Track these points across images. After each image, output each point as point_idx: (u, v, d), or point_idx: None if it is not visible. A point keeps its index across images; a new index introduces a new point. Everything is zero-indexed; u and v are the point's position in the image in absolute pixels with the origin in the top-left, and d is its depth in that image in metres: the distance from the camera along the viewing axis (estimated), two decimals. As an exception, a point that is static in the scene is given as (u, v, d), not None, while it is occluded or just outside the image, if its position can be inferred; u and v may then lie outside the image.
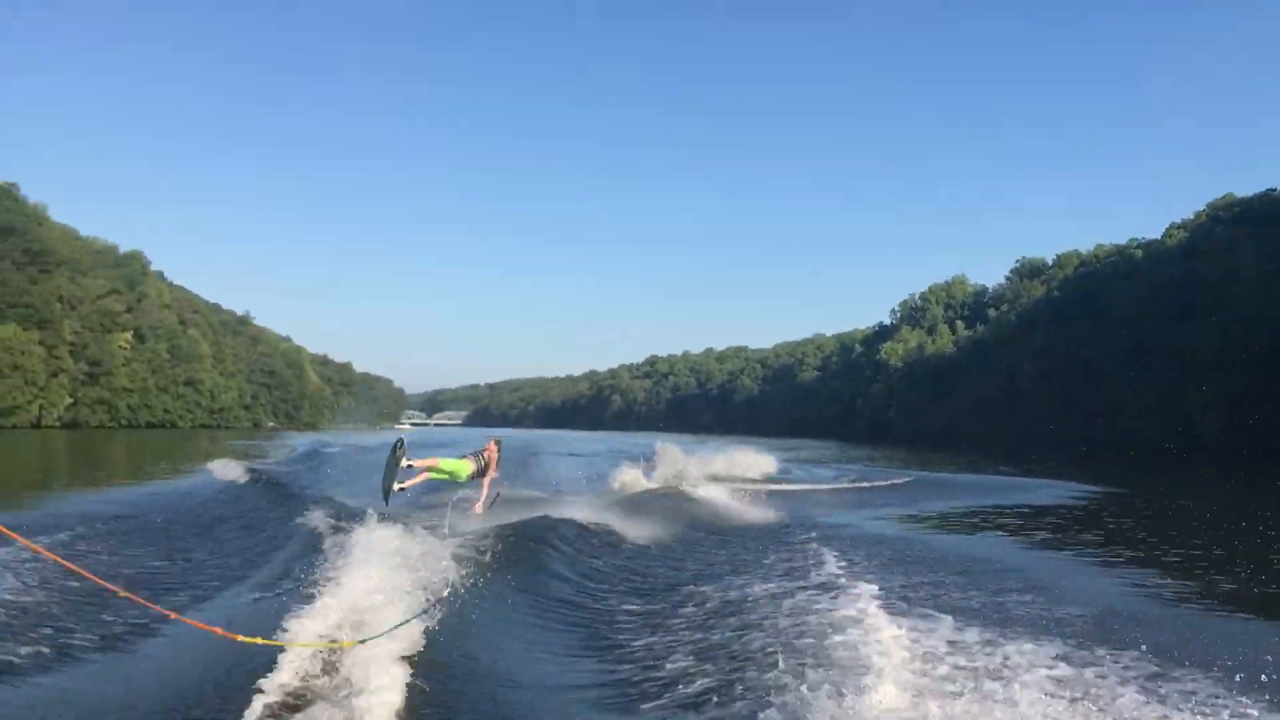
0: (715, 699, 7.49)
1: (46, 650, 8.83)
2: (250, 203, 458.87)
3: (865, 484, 33.55)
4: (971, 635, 9.00)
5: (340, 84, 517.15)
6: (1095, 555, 17.21)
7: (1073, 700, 6.97)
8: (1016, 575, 13.77)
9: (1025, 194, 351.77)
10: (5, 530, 7.41)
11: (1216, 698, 7.32)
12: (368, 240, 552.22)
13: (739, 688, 7.64)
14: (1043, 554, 17.12)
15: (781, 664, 7.94)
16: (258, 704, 6.53)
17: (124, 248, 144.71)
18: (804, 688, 7.09)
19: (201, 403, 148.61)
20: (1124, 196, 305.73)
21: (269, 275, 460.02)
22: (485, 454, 17.45)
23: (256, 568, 13.89)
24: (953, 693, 7.04)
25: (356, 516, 14.81)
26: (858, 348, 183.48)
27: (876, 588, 10.73)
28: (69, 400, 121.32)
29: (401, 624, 7.87)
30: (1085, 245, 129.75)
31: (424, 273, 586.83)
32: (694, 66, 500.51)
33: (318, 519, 16.31)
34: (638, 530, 18.01)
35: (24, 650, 8.66)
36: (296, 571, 11.67)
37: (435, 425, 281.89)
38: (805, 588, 11.53)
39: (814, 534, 17.43)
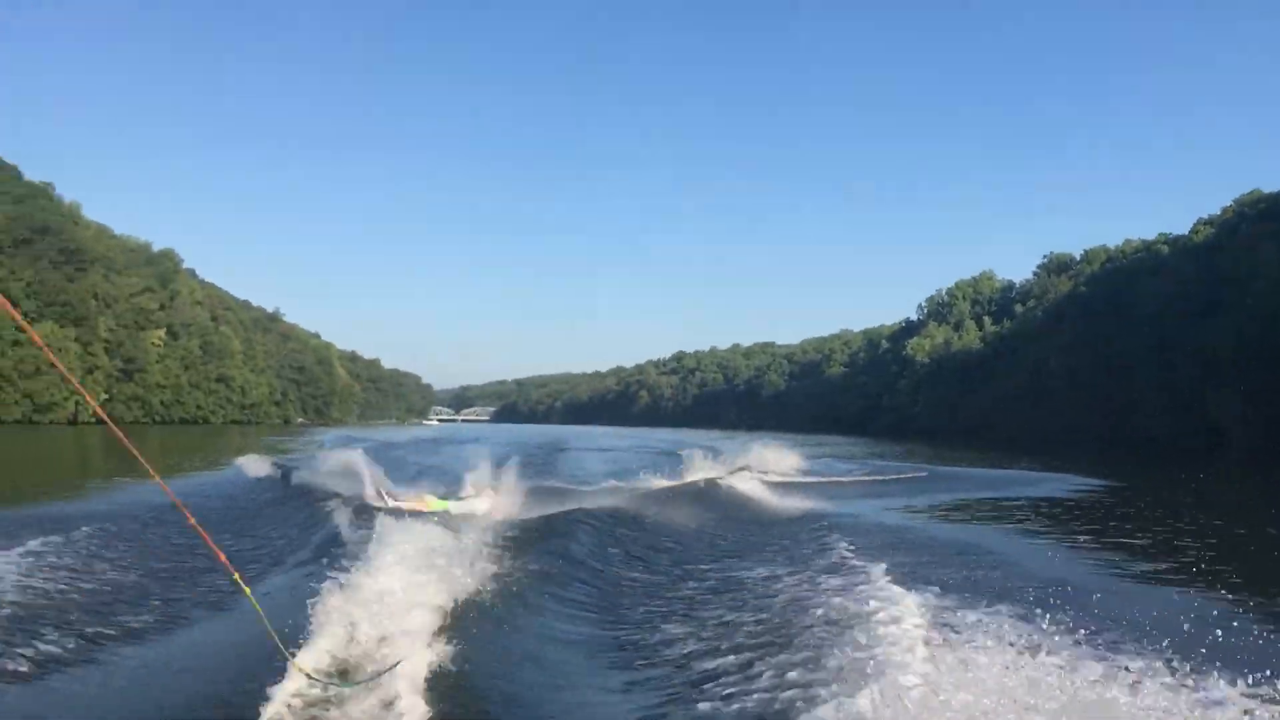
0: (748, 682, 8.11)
1: (112, 632, 9.61)
2: (281, 201, 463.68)
3: (879, 477, 35.80)
4: (948, 602, 10.25)
5: (373, 81, 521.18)
6: (1066, 539, 19.05)
7: (1020, 651, 8.16)
8: (991, 556, 15.38)
9: (1056, 192, 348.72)
10: (167, 490, 8.79)
11: (1118, 645, 8.67)
12: (396, 238, 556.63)
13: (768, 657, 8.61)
14: (1021, 538, 18.94)
15: (813, 637, 8.98)
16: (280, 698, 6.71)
17: (156, 246, 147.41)
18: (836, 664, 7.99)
19: (233, 399, 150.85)
20: (1165, 190, 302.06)
21: (298, 273, 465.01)
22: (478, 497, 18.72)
23: (281, 564, 14.21)
24: (939, 644, 8.27)
25: (378, 514, 14.90)
26: (884, 344, 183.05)
27: (884, 567, 12.03)
28: (104, 396, 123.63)
29: (391, 667, 7.30)
30: (1114, 240, 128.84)
31: (452, 270, 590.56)
32: (720, 58, 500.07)
33: (342, 517, 16.25)
34: (672, 519, 19.20)
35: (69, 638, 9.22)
36: (319, 571, 11.54)
37: (463, 421, 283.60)
38: (823, 573, 12.60)
39: (825, 522, 19.08)
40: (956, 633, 8.76)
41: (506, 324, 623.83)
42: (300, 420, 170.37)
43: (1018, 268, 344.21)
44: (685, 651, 9.37)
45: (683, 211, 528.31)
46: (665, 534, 17.70)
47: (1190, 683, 7.34)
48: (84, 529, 15.46)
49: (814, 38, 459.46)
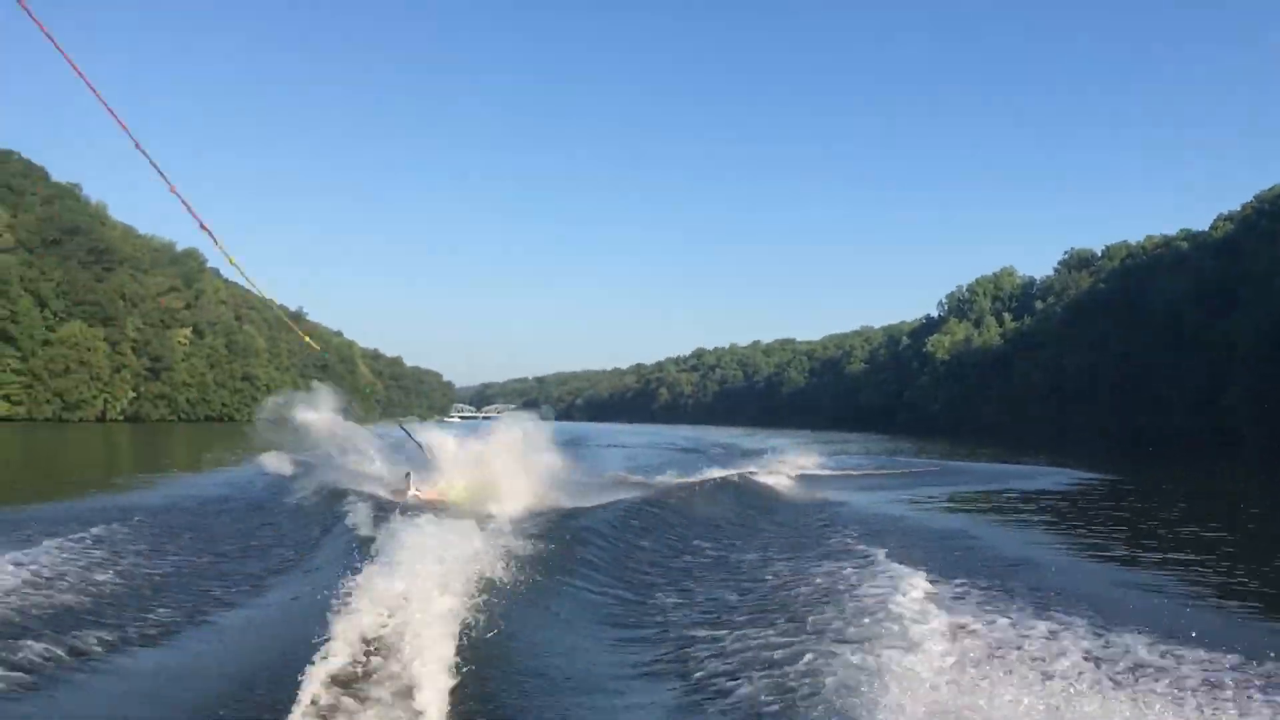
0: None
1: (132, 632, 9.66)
2: (301, 198, 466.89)
3: (890, 471, 37.95)
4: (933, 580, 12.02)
5: (396, 75, 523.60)
6: (1045, 527, 20.65)
7: (989, 621, 10.00)
8: (974, 541, 16.84)
9: (1079, 190, 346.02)
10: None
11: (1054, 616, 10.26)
12: (418, 237, 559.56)
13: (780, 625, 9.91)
14: (1003, 528, 20.37)
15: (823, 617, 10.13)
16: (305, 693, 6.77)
17: (180, 246, 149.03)
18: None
19: (258, 396, 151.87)
20: (1188, 187, 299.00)
21: (321, 272, 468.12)
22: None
23: (296, 564, 14.22)
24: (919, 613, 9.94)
25: (397, 509, 15.01)
26: (905, 340, 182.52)
27: (883, 553, 13.65)
28: (132, 395, 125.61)
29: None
30: (1136, 236, 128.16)
31: (473, 268, 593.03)
32: (742, 57, 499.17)
33: (361, 513, 16.10)
34: (700, 511, 20.08)
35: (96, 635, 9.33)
36: (339, 570, 11.07)
37: (484, 417, 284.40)
38: (841, 565, 13.49)
39: (829, 513, 20.65)
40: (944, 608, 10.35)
41: (527, 322, 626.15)
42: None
43: (1039, 264, 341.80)
44: (713, 653, 9.12)
45: (703, 207, 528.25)
46: (696, 530, 17.71)
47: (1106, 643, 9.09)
48: (113, 524, 15.89)
49: (829, 26, 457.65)
